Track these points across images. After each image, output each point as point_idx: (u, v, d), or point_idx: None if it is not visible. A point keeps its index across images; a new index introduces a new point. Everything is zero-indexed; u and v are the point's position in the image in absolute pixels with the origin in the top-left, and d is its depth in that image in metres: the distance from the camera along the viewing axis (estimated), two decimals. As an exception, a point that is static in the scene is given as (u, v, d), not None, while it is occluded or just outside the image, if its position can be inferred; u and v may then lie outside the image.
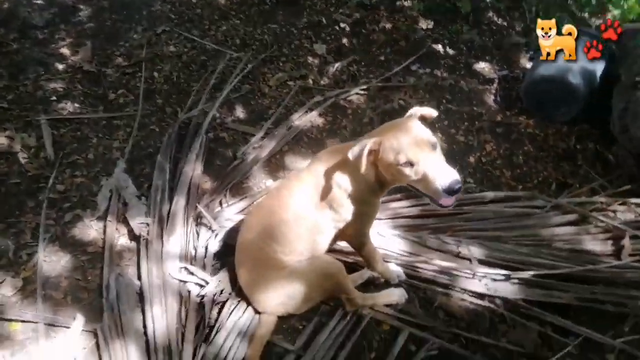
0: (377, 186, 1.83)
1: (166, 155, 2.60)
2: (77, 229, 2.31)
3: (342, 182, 1.82)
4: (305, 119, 3.09)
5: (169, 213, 2.31)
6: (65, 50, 3.35)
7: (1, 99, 2.93)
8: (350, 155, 1.67)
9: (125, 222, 2.31)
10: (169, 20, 3.74)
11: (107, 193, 2.41)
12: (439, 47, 3.84)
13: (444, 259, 2.32)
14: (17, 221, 2.31)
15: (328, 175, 1.83)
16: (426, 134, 1.66)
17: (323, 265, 1.95)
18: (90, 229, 2.32)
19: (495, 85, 3.64)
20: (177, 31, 3.64)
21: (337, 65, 3.58)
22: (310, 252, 1.95)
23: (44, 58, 3.27)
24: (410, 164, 1.62)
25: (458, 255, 2.36)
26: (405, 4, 4.21)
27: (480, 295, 2.22)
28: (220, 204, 2.48)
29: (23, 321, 1.95)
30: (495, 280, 2.25)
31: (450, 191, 1.56)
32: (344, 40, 3.82)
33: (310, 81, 3.45)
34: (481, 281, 2.26)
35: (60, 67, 3.23)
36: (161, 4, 3.87)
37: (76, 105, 2.97)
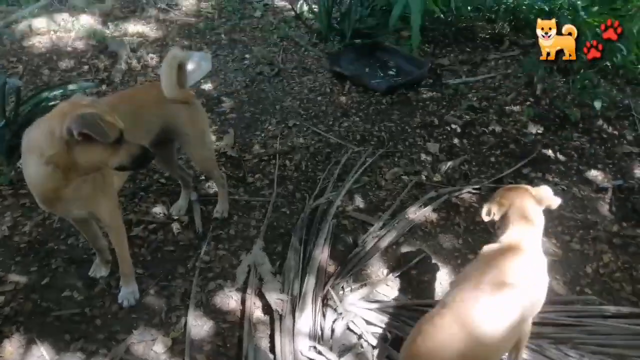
0: None
1: (297, 237, 2.89)
2: (218, 297, 2.60)
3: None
4: (420, 213, 3.27)
5: (300, 291, 2.53)
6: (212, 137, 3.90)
7: (160, 175, 3.45)
8: None
9: (261, 295, 2.57)
10: (298, 115, 4.24)
11: (246, 267, 2.71)
12: (550, 152, 3.93)
13: (567, 373, 2.30)
14: (169, 285, 2.65)
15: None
16: None
17: None
18: (230, 299, 2.59)
19: (609, 194, 3.60)
20: (306, 125, 4.11)
21: (449, 164, 3.79)
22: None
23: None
24: None
25: (583, 371, 2.32)
26: (514, 109, 4.40)
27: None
28: (343, 288, 2.68)
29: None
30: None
31: None
32: (455, 140, 4.05)
33: (424, 177, 3.67)
34: (609, 403, 2.20)
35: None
36: (291, 100, 4.41)
37: (220, 186, 3.41)
